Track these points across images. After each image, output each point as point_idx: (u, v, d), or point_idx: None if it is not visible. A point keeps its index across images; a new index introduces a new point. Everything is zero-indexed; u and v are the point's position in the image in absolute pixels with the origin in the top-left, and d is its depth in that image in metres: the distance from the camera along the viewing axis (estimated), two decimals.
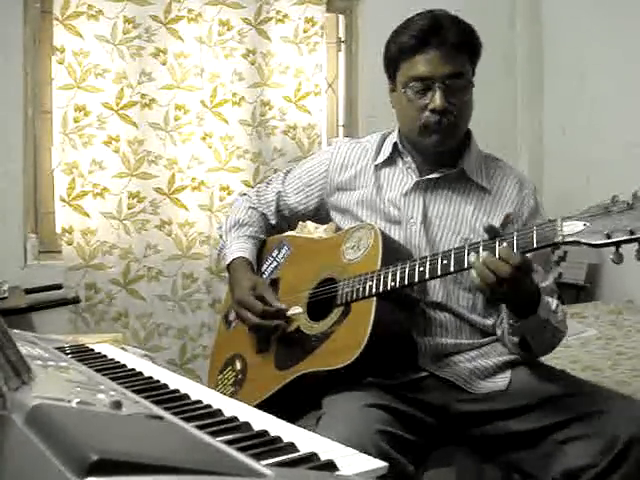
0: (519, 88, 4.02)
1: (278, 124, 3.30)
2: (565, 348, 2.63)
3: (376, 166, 1.75)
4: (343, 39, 3.67)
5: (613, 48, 3.52)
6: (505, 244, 1.37)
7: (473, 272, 1.38)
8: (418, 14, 1.65)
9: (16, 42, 2.99)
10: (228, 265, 1.84)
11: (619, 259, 1.25)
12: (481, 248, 1.39)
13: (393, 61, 1.67)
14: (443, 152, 1.67)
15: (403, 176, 1.72)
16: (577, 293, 3.62)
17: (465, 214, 1.67)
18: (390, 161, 1.74)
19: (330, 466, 0.74)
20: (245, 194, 2.01)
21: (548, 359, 1.79)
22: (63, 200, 3.00)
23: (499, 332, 1.68)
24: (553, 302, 1.61)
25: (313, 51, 3.32)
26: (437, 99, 1.58)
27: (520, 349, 1.61)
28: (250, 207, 1.93)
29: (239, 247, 1.84)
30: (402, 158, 1.73)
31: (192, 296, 3.21)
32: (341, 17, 3.67)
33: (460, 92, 1.61)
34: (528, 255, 1.60)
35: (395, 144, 1.74)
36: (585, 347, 2.71)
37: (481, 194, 1.69)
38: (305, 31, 3.30)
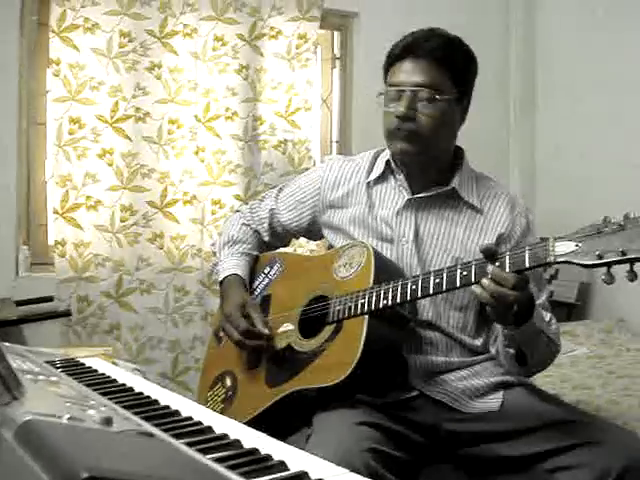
0: (512, 107, 4.05)
1: (269, 139, 3.31)
2: (556, 367, 2.63)
3: (368, 184, 1.76)
4: (338, 56, 3.69)
5: (606, 67, 3.56)
6: (497, 264, 1.37)
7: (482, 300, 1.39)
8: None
9: (12, 54, 2.98)
10: (221, 281, 1.85)
11: (610, 280, 1.25)
12: (473, 268, 1.40)
13: (385, 70, 1.71)
14: (435, 169, 1.68)
15: (395, 194, 1.73)
16: (568, 311, 3.63)
17: (457, 233, 1.68)
18: (382, 179, 1.75)
19: None
20: (239, 211, 2.01)
21: (539, 377, 1.79)
22: (56, 212, 2.99)
23: (493, 350, 1.67)
24: (547, 315, 1.62)
25: (305, 67, 3.34)
26: (400, 105, 1.61)
27: (516, 362, 1.60)
28: (244, 224, 1.94)
29: (232, 264, 1.85)
30: (394, 176, 1.74)
31: (184, 309, 3.20)
32: (336, 34, 3.69)
33: (428, 102, 1.61)
34: None
35: (387, 162, 1.74)
36: (576, 366, 2.71)
37: (473, 213, 1.69)
38: (298, 47, 3.33)
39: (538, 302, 1.64)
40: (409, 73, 1.63)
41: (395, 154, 1.69)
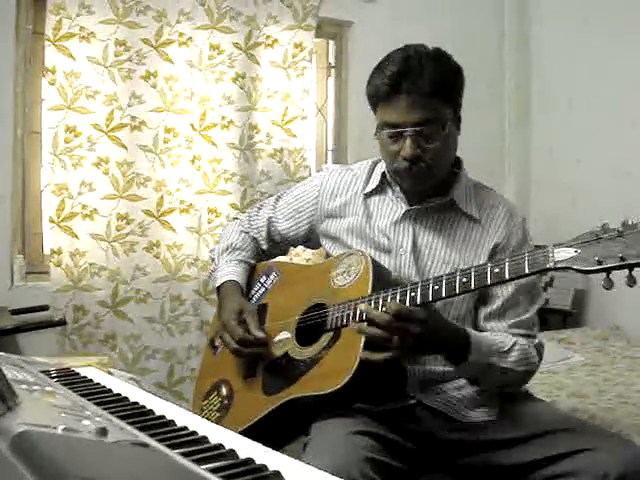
0: (507, 113, 4.07)
1: (265, 147, 3.32)
2: (551, 374, 2.63)
3: (365, 194, 1.76)
4: (333, 64, 3.70)
5: (600, 75, 3.57)
6: (497, 270, 1.36)
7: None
8: (395, 50, 1.63)
9: (7, 62, 2.98)
10: (218, 288, 1.84)
11: (609, 285, 1.26)
12: (473, 274, 1.40)
13: (372, 100, 1.66)
14: (435, 182, 1.67)
15: (393, 205, 1.73)
16: (564, 319, 3.64)
17: (455, 244, 1.67)
18: (380, 190, 1.75)
19: None
20: (237, 218, 2.01)
21: (535, 384, 1.79)
22: (52, 221, 2.98)
23: None
24: (510, 341, 1.59)
25: (301, 76, 3.35)
26: (407, 147, 1.57)
27: (474, 385, 1.62)
28: (242, 231, 1.94)
29: (230, 271, 1.84)
30: (391, 188, 1.74)
31: (180, 318, 3.20)
32: (331, 42, 3.70)
33: (432, 137, 1.58)
34: (514, 285, 1.60)
35: (384, 174, 1.74)
36: (571, 373, 2.71)
37: (470, 224, 1.69)
38: (294, 56, 3.34)
39: (525, 317, 1.63)
40: (406, 111, 1.56)
41: (407, 188, 1.68)
